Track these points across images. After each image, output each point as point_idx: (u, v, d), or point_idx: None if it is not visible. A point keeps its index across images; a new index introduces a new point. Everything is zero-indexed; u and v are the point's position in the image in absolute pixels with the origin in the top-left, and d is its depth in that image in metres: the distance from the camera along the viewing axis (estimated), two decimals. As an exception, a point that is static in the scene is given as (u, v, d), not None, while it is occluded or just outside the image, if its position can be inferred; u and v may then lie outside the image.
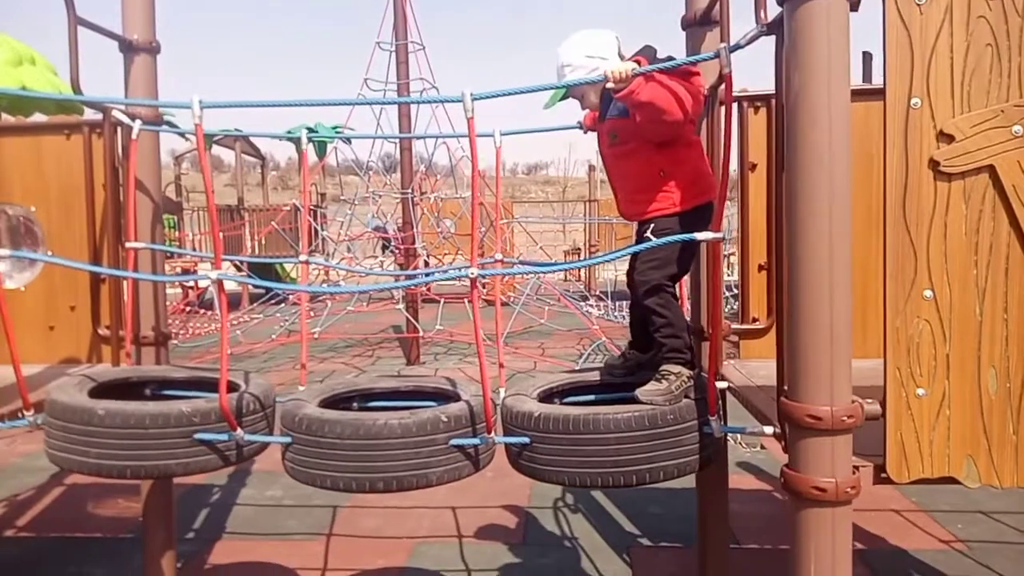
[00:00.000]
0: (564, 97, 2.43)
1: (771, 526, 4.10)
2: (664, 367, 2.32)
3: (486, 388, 2.22)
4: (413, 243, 8.50)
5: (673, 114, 2.25)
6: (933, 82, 1.68)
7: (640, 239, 2.46)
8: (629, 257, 2.51)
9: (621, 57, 2.41)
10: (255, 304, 11.65)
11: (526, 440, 2.23)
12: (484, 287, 12.15)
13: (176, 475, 2.34)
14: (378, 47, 8.84)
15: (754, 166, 3.06)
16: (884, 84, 1.69)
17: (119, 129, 3.05)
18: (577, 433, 2.15)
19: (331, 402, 2.55)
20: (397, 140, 8.77)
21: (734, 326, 3.09)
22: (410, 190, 8.38)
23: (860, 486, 1.72)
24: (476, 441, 2.25)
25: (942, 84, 1.68)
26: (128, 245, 2.88)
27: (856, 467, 1.76)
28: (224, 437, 2.31)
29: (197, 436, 2.28)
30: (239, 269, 10.03)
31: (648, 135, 2.38)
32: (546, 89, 2.27)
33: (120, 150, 3.09)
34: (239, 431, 2.30)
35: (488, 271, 2.37)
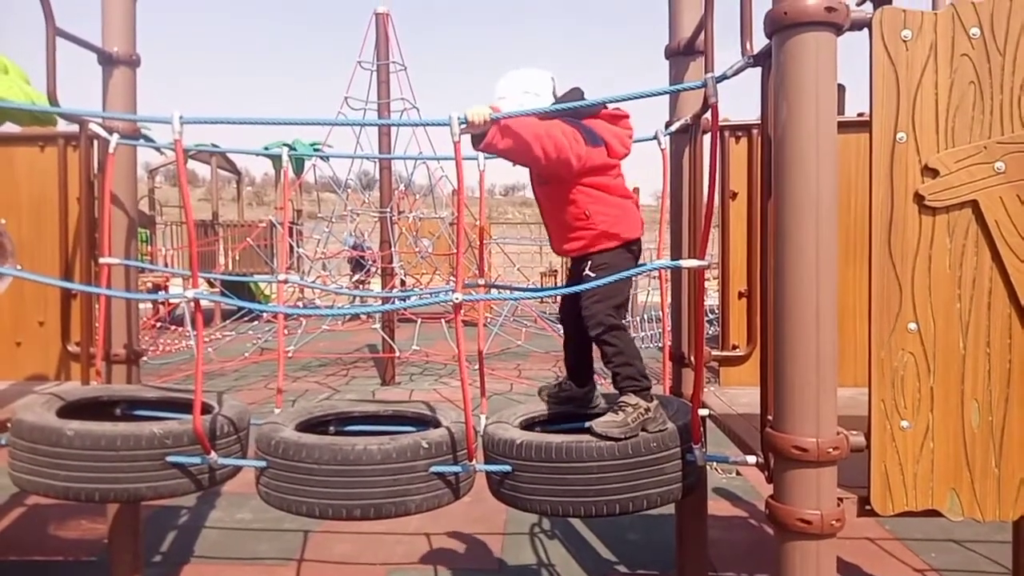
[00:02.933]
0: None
1: (748, 553, 4.09)
2: (622, 398, 2.29)
3: (468, 415, 2.18)
4: (391, 262, 8.44)
5: (540, 156, 2.22)
6: (919, 117, 1.70)
7: (578, 275, 2.43)
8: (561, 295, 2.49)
9: (554, 96, 2.42)
10: (228, 321, 11.48)
11: (508, 468, 2.20)
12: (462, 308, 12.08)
13: (146, 499, 2.28)
14: (359, 66, 8.84)
15: (735, 194, 3.08)
16: (870, 118, 1.71)
17: (95, 142, 3.00)
18: (559, 462, 2.12)
19: (308, 425, 2.50)
20: (376, 159, 8.75)
21: (714, 353, 3.09)
22: (389, 209, 8.34)
23: (845, 518, 1.71)
24: (457, 469, 2.22)
25: (927, 119, 1.70)
26: (102, 260, 2.82)
27: (840, 499, 1.75)
28: (197, 460, 2.25)
29: (169, 459, 2.22)
30: (212, 286, 9.83)
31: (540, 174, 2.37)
32: (530, 113, 2.27)
33: (96, 164, 3.03)
34: (212, 455, 2.24)
35: (472, 296, 2.34)
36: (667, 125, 2.93)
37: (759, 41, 1.93)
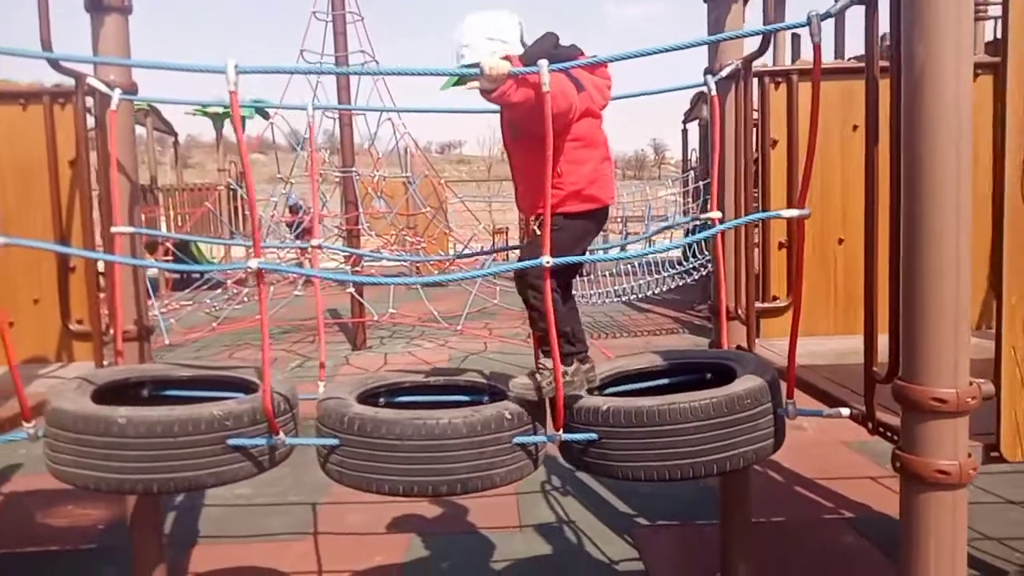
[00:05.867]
0: (459, 83, 2.15)
1: (759, 497, 4.15)
2: (541, 360, 2.22)
3: (559, 383, 2.06)
4: (356, 224, 8.16)
5: (554, 109, 2.04)
6: (1056, 51, 1.63)
7: (531, 234, 2.31)
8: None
9: (523, 43, 2.21)
10: (187, 290, 10.95)
11: (594, 436, 2.11)
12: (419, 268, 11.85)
13: (208, 486, 2.10)
14: (314, 17, 8.38)
15: (775, 142, 3.02)
16: (1005, 53, 1.64)
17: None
18: (652, 425, 2.04)
19: (362, 399, 2.35)
20: (336, 115, 8.37)
21: (756, 305, 3.05)
22: (353, 169, 8.02)
23: (979, 467, 1.69)
24: (542, 439, 2.12)
25: (1066, 53, 1.64)
26: (113, 230, 2.56)
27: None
28: (260, 442, 2.08)
29: (231, 442, 2.04)
30: (166, 253, 9.35)
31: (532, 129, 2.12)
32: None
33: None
34: (280, 434, 2.07)
35: (560, 259, 2.19)
36: (710, 71, 2.81)
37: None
